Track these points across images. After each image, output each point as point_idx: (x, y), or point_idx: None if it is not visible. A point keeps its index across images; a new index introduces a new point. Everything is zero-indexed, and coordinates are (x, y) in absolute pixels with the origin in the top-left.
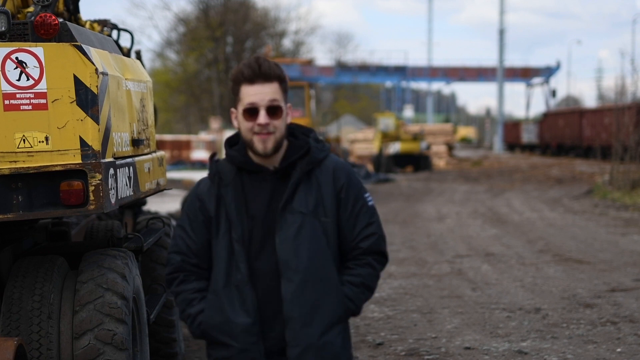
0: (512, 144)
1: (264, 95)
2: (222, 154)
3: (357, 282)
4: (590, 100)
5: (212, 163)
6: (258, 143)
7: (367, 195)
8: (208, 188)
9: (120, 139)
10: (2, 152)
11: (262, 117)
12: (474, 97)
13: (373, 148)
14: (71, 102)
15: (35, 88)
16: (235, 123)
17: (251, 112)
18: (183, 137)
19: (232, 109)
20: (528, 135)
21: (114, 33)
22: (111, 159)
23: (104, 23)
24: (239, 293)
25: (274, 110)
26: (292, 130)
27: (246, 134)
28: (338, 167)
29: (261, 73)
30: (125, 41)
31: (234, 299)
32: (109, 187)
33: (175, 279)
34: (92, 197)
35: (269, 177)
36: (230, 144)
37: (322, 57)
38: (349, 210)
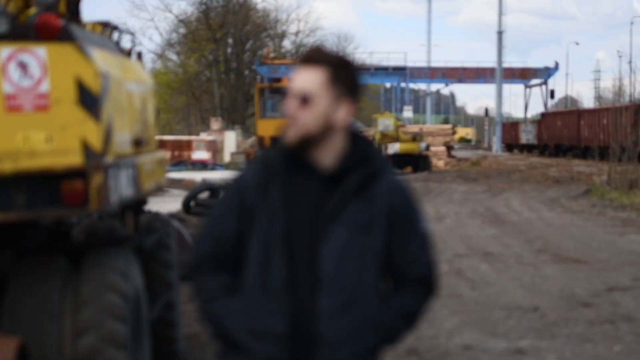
0: (511, 144)
1: (298, 80)
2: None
3: (399, 311)
4: (588, 101)
5: (264, 150)
6: (288, 130)
7: (423, 219)
8: (253, 175)
9: (122, 139)
10: (3, 152)
11: (288, 102)
12: (473, 98)
13: None
14: (73, 103)
15: (37, 89)
16: None
17: (287, 95)
18: (184, 137)
19: None
20: (526, 136)
21: (115, 34)
22: (112, 159)
23: (106, 24)
24: (273, 297)
25: (302, 100)
26: (354, 134)
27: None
28: (396, 184)
29: (306, 56)
30: (126, 42)
31: (266, 303)
32: (110, 187)
33: (200, 269)
34: (93, 197)
35: (321, 177)
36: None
37: None
38: (400, 234)
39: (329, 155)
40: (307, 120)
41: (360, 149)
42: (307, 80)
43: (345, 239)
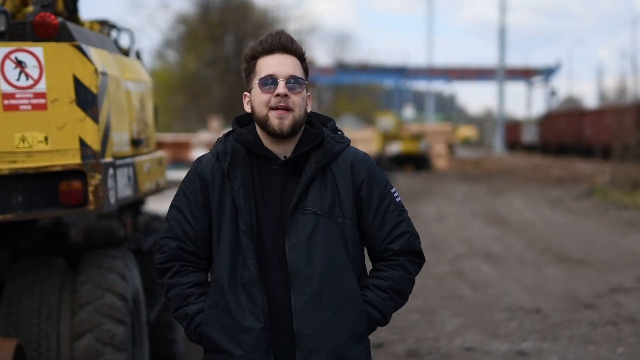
0: (513, 144)
1: (285, 67)
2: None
3: (384, 286)
4: (591, 101)
5: (224, 140)
6: (274, 119)
7: (393, 190)
8: (212, 166)
9: (120, 139)
10: (1, 152)
11: (281, 87)
12: (474, 97)
13: (373, 148)
14: (70, 102)
15: (35, 88)
16: (247, 108)
17: (269, 82)
18: (182, 137)
19: (245, 93)
20: (529, 136)
21: (114, 33)
22: (110, 159)
23: (104, 23)
24: (247, 293)
25: (294, 84)
26: (310, 119)
27: (261, 110)
28: (357, 160)
29: (282, 44)
30: (124, 41)
31: (241, 300)
32: (108, 187)
33: (169, 269)
34: (91, 197)
35: (279, 167)
36: (240, 123)
37: (322, 57)
38: (373, 210)
39: (292, 142)
40: (301, 107)
41: (314, 131)
42: (293, 66)
43: (310, 228)
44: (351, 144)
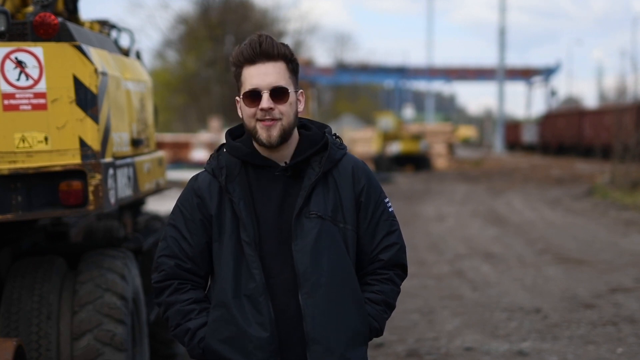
0: (513, 144)
1: (267, 77)
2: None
3: (378, 299)
4: (591, 101)
5: (217, 156)
6: (262, 131)
7: (387, 200)
8: (209, 183)
9: (120, 139)
10: (1, 152)
11: (265, 101)
12: (474, 97)
13: (373, 148)
14: (70, 102)
15: (35, 88)
16: (240, 113)
17: (253, 96)
18: (182, 137)
19: (237, 98)
20: (529, 136)
21: (114, 33)
22: (110, 159)
23: (104, 23)
24: (252, 304)
25: (278, 94)
26: (305, 124)
27: (249, 122)
28: (357, 167)
29: (263, 52)
30: (125, 41)
31: (246, 311)
32: (108, 187)
33: (167, 288)
34: (91, 198)
35: (279, 174)
36: (233, 136)
37: (322, 57)
38: (369, 217)
39: (288, 148)
40: (289, 115)
41: (314, 136)
42: (276, 74)
43: (315, 232)
44: (351, 144)
